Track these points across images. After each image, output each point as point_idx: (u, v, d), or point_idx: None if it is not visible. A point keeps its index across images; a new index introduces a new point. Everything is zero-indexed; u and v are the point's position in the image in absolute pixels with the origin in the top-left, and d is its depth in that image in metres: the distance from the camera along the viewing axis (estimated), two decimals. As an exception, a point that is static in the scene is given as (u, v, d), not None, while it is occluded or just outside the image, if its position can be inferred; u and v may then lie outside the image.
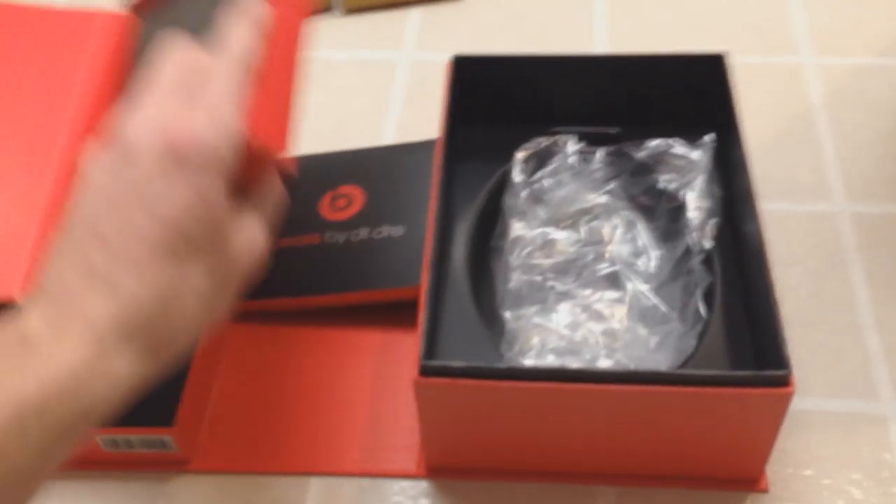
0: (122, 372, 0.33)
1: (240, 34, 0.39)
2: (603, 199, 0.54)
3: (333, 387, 0.53)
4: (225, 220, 0.36)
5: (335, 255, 0.55)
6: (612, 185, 0.54)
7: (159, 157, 0.34)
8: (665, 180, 0.51)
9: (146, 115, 0.35)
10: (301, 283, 0.55)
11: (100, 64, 0.51)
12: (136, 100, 0.36)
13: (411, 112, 0.68)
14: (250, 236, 0.38)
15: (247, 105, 0.38)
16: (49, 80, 0.51)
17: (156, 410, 0.49)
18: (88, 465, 0.51)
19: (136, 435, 0.49)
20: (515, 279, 0.51)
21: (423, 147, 0.60)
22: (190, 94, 0.36)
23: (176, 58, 0.37)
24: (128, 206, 0.34)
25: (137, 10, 0.53)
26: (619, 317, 0.49)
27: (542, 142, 0.54)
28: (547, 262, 0.52)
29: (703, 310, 0.46)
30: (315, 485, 0.49)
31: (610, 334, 0.48)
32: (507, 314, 0.50)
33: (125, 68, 0.51)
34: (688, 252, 0.49)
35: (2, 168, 0.47)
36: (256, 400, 0.53)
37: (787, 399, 0.39)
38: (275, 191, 0.41)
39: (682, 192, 0.50)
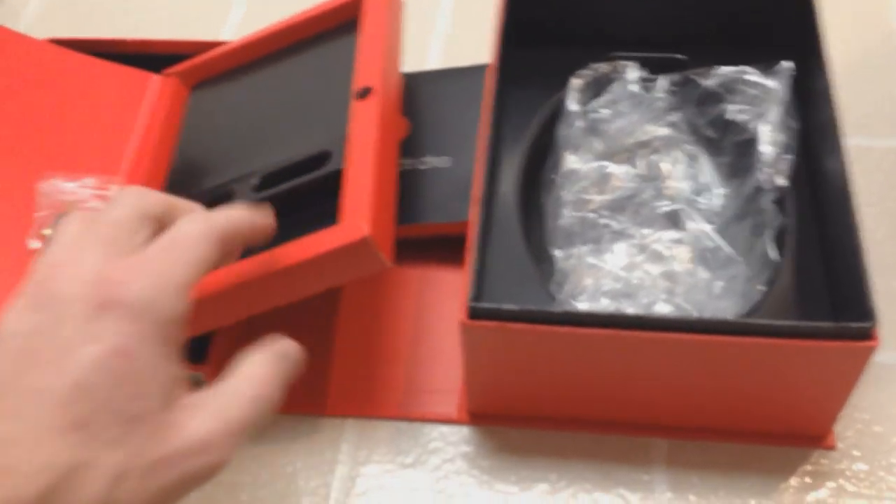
0: None
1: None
2: (664, 130, 0.50)
3: (371, 326, 0.50)
4: (151, 393, 0.29)
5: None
6: (674, 116, 0.50)
7: (82, 297, 0.29)
8: (734, 111, 0.47)
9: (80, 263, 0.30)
10: (338, 216, 0.53)
11: (152, 125, 0.55)
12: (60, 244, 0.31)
13: (459, 34, 0.64)
14: (198, 431, 0.30)
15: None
16: (105, 133, 0.54)
17: (187, 348, 0.46)
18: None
19: (167, 369, 0.47)
20: (567, 215, 0.48)
21: (472, 72, 0.56)
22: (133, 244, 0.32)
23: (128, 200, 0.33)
24: (36, 355, 0.28)
25: (190, 82, 0.58)
26: (679, 258, 0.45)
27: (600, 68, 0.49)
28: (601, 197, 0.48)
29: (773, 254, 0.42)
30: (350, 427, 0.47)
31: (669, 277, 0.45)
32: (558, 253, 0.47)
33: (172, 135, 0.55)
34: (757, 190, 0.45)
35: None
36: (291, 338, 0.50)
37: (868, 353, 0.36)
38: (252, 380, 0.33)
39: (753, 125, 0.45)
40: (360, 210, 0.41)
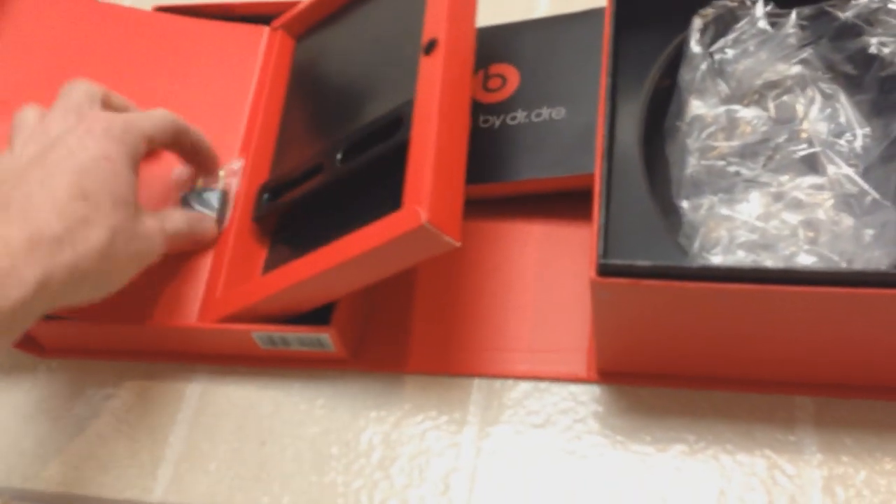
0: (31, 279, 0.38)
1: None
2: (796, 69, 0.46)
3: (495, 284, 0.49)
4: (128, 190, 0.43)
5: (489, 142, 0.51)
6: (807, 53, 0.46)
7: (76, 122, 0.43)
8: (877, 44, 0.43)
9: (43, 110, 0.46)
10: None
11: (264, 79, 0.57)
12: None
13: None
14: (150, 224, 0.45)
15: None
16: (222, 92, 0.57)
17: (313, 309, 0.47)
18: (247, 360, 0.50)
19: (292, 333, 0.47)
20: (694, 164, 0.45)
21: (584, 18, 0.54)
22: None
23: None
24: (49, 153, 0.42)
25: (295, 33, 0.59)
26: (821, 205, 0.42)
27: (725, 5, 0.47)
28: (730, 144, 0.46)
29: (926, 197, 0.40)
30: (478, 387, 0.47)
31: (811, 226, 0.42)
32: (685, 204, 0.44)
33: (281, 89, 0.57)
34: (906, 129, 0.42)
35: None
36: (417, 299, 0.50)
37: None
38: (178, 213, 0.49)
39: (900, 58, 0.42)
40: (420, 194, 0.40)
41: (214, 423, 0.49)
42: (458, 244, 0.40)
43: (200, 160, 0.51)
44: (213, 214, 0.51)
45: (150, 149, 0.46)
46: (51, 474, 0.49)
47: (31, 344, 0.52)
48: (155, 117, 0.47)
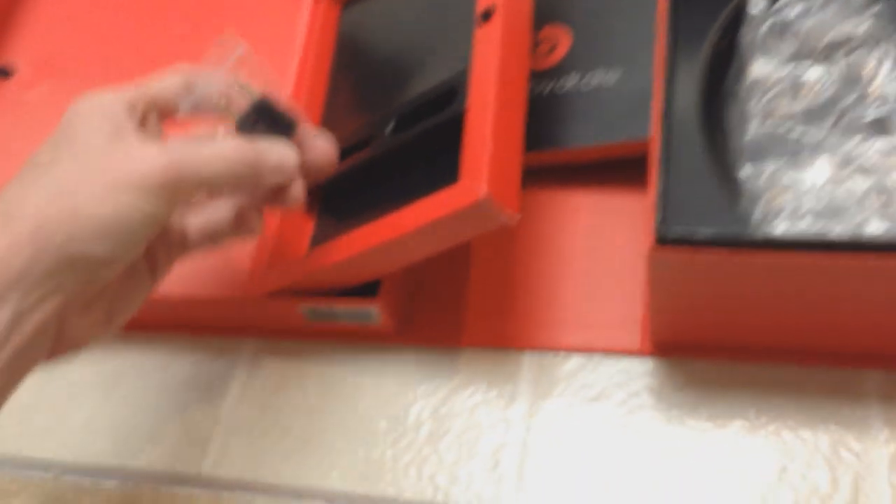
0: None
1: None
2: (864, 25, 0.44)
3: (546, 255, 0.48)
4: (94, 135, 0.36)
5: (540, 108, 0.49)
6: (876, 8, 0.44)
7: None
8: (955, -3, 0.41)
9: None
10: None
11: (309, 45, 0.55)
12: None
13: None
14: (138, 151, 0.36)
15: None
16: (268, 56, 0.52)
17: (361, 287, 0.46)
18: (294, 334, 0.50)
19: (339, 306, 0.46)
20: (755, 129, 0.43)
21: (638, -23, 0.51)
22: None
23: None
24: None
25: (341, 2, 0.57)
26: (892, 169, 0.40)
27: (789, -40, 0.44)
28: (795, 107, 0.44)
29: None
30: (528, 361, 0.46)
31: (883, 191, 0.40)
32: (747, 171, 0.43)
33: (328, 56, 0.55)
34: None
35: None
36: (463, 271, 0.49)
37: None
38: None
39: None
40: (478, 168, 0.39)
41: (262, 397, 0.48)
42: (516, 219, 0.39)
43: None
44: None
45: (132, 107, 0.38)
46: (101, 448, 0.49)
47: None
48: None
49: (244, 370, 0.50)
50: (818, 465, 0.40)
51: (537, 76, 0.51)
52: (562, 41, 0.51)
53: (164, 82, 0.39)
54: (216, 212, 0.41)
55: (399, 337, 0.48)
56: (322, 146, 0.42)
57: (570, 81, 0.50)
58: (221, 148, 0.37)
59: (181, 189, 0.36)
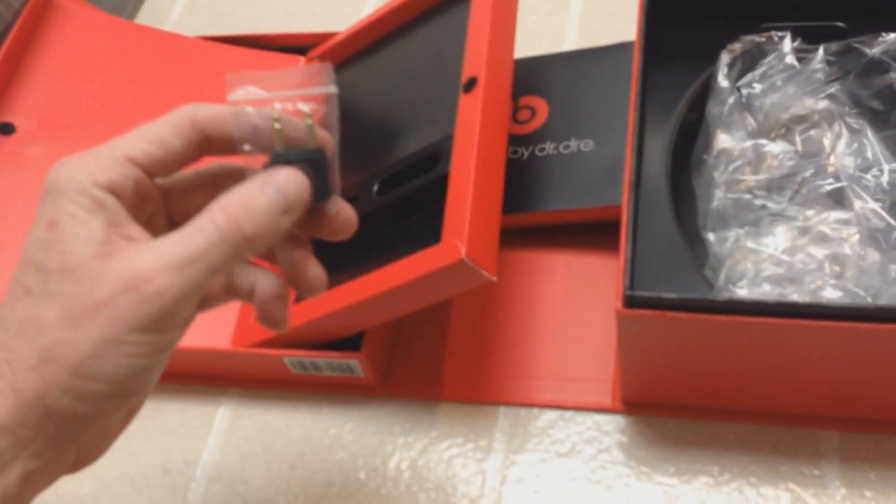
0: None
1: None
2: (823, 104, 0.47)
3: (521, 313, 0.50)
4: (86, 249, 0.29)
5: (518, 172, 0.52)
6: (833, 88, 0.47)
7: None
8: (904, 81, 0.44)
9: None
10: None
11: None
12: None
13: (594, 12, 0.62)
14: (127, 269, 0.29)
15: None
16: None
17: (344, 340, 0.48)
18: (277, 385, 0.51)
19: (322, 358, 0.48)
20: (720, 197, 0.46)
21: (612, 52, 0.54)
22: None
23: None
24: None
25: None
26: (847, 240, 0.43)
27: (752, 40, 0.47)
28: (757, 177, 0.46)
29: (952, 233, 0.40)
30: (503, 415, 0.47)
31: (837, 260, 0.42)
32: (711, 236, 0.45)
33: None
34: (933, 165, 0.42)
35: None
36: (444, 327, 0.51)
37: None
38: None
39: (927, 94, 0.42)
40: (459, 230, 0.41)
41: (245, 447, 0.49)
42: (494, 279, 0.41)
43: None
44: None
45: (117, 187, 0.31)
46: (83, 495, 0.49)
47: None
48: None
49: (227, 420, 0.51)
50: (779, 521, 0.41)
51: (518, 141, 0.53)
52: (540, 110, 0.54)
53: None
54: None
55: (381, 389, 0.50)
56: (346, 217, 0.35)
57: (549, 147, 0.52)
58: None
59: (201, 286, 0.30)
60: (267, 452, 0.49)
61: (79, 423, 0.30)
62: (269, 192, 0.30)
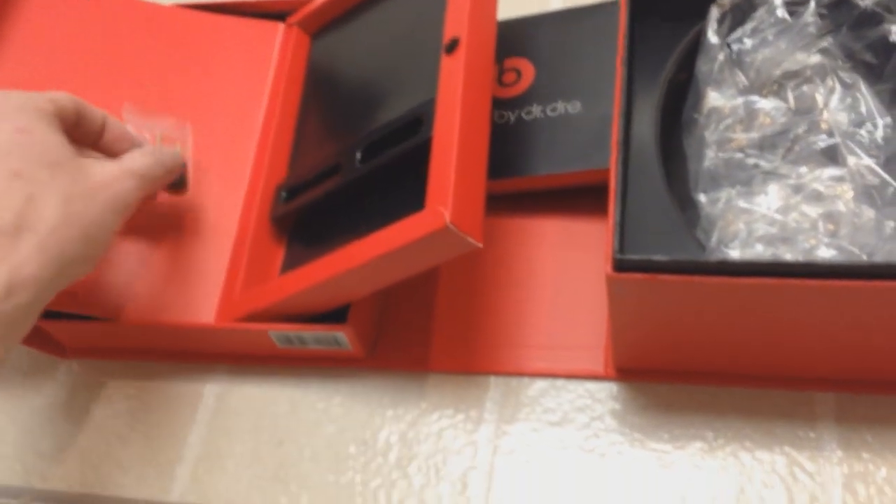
0: (2, 277, 0.36)
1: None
2: (815, 58, 0.46)
3: (510, 281, 0.49)
4: (58, 150, 0.40)
5: (505, 137, 0.51)
6: (826, 42, 0.45)
7: None
8: (899, 32, 0.42)
9: None
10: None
11: (280, 75, 0.56)
12: None
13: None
14: (100, 171, 0.41)
15: None
16: (240, 86, 0.56)
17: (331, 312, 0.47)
18: (265, 360, 0.50)
19: (308, 332, 0.47)
20: (711, 157, 0.45)
21: (598, 11, 0.53)
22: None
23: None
24: None
25: (310, 30, 0.58)
26: (842, 197, 0.42)
27: (742, -6, 0.46)
28: (749, 135, 0.45)
29: (950, 187, 0.39)
30: (494, 385, 0.47)
31: (830, 218, 0.41)
32: (703, 197, 0.44)
33: (298, 87, 0.56)
34: (928, 118, 0.41)
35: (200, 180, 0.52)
36: (433, 296, 0.50)
37: None
38: (139, 152, 0.45)
39: (922, 46, 0.41)
40: (443, 195, 0.40)
41: (232, 423, 0.49)
42: (480, 245, 0.40)
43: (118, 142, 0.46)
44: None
45: (62, 113, 0.42)
46: (70, 475, 0.49)
47: (52, 345, 0.53)
48: (59, 94, 0.43)
49: (214, 397, 0.50)
50: (774, 486, 0.41)
51: (504, 104, 0.52)
52: (527, 71, 0.52)
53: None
54: None
55: (369, 361, 0.49)
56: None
57: (536, 111, 0.51)
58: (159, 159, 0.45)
59: (143, 195, 0.43)
60: (255, 429, 0.48)
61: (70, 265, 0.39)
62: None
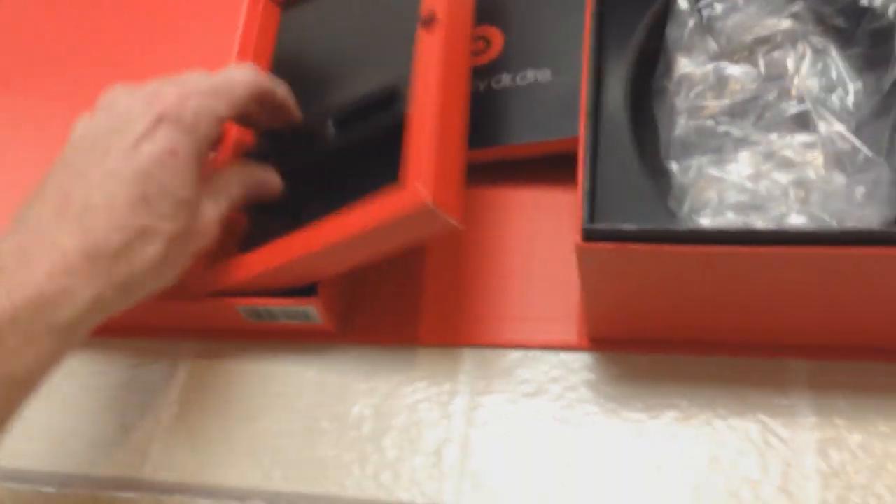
0: (87, 296, 0.37)
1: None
2: (786, 23, 0.45)
3: (482, 252, 0.49)
4: (192, 186, 0.40)
5: (475, 106, 0.50)
6: (797, 6, 0.45)
7: (145, 111, 0.39)
8: (869, -5, 0.42)
9: (133, 88, 0.41)
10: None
11: (246, 45, 0.55)
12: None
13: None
14: (209, 212, 0.42)
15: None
16: (206, 54, 0.55)
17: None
18: (235, 335, 0.50)
19: (277, 306, 0.46)
20: (682, 125, 0.44)
21: (568, -24, 0.52)
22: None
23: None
24: (111, 149, 0.39)
25: (279, 1, 0.56)
26: (812, 163, 0.41)
27: (712, -42, 0.45)
28: (720, 102, 0.45)
29: (920, 151, 0.39)
30: (468, 357, 0.46)
31: (801, 185, 0.41)
32: (674, 165, 0.44)
33: (266, 58, 0.55)
34: (898, 82, 0.40)
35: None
36: (402, 269, 0.49)
37: None
38: (246, 173, 0.45)
39: (892, 8, 0.41)
40: (422, 173, 0.39)
41: (204, 400, 0.48)
42: (460, 226, 0.39)
43: (283, 118, 0.47)
44: None
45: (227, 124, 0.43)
46: (39, 453, 0.48)
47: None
48: (237, 89, 0.42)
49: (185, 372, 0.50)
50: (748, 453, 0.41)
51: (474, 73, 0.51)
52: (495, 40, 0.52)
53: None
54: None
55: (340, 335, 0.48)
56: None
57: (506, 79, 0.50)
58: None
59: None
60: (227, 405, 0.48)
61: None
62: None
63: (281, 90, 0.45)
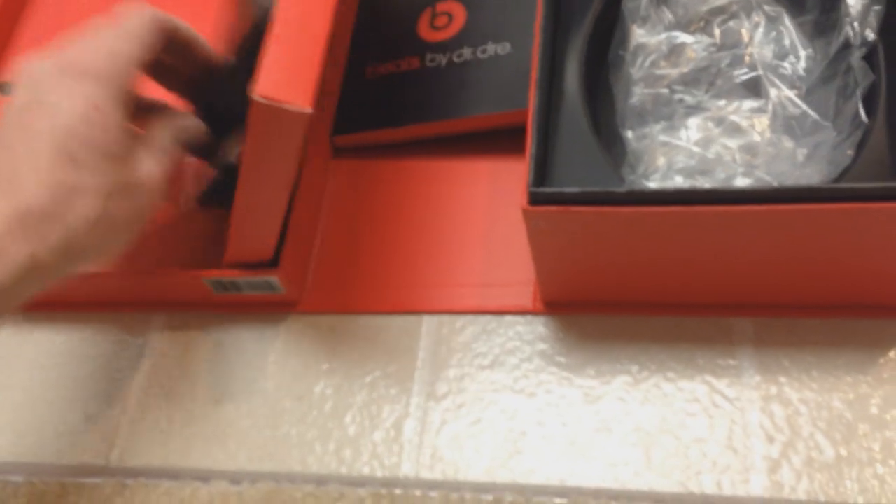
0: (19, 259, 0.36)
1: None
2: (740, -6, 0.46)
3: (442, 221, 0.49)
4: (120, 138, 0.39)
5: (438, 80, 0.51)
6: (752, -24, 0.45)
7: (58, 73, 0.38)
8: (818, -37, 0.42)
9: (43, 54, 0.40)
10: (403, 112, 0.51)
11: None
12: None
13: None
14: (147, 166, 0.40)
15: None
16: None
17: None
18: (201, 307, 0.50)
19: (242, 277, 0.47)
20: (638, 93, 0.45)
21: (530, -50, 0.52)
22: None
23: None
24: (31, 115, 0.38)
25: None
26: (759, 128, 0.42)
27: (666, -71, 0.46)
28: (675, 71, 0.45)
29: (863, 115, 0.39)
30: (427, 324, 0.47)
31: (749, 149, 0.41)
32: (629, 133, 0.44)
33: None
34: (845, 48, 0.41)
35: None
36: (363, 238, 0.50)
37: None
38: (173, 124, 0.43)
39: (841, -27, 0.41)
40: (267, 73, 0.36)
41: (168, 384, 0.49)
42: (307, 110, 0.36)
43: (193, 56, 0.44)
44: None
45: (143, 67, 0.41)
46: (2, 442, 0.48)
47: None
48: (141, 28, 0.40)
49: (148, 358, 0.50)
50: (696, 414, 0.41)
51: (436, 48, 0.52)
52: (458, 14, 0.52)
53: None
54: None
55: (304, 305, 0.49)
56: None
57: (467, 53, 0.51)
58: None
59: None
60: (191, 388, 0.48)
61: None
62: None
63: (183, 25, 0.43)
